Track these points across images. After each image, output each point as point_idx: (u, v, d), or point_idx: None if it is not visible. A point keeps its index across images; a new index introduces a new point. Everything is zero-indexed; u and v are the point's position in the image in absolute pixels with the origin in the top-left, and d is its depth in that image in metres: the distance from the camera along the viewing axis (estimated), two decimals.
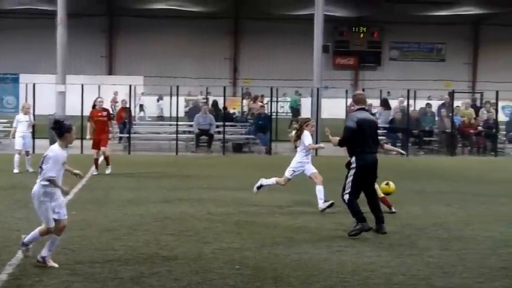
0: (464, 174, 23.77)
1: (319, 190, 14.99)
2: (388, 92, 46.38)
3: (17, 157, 21.91)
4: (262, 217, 14.30)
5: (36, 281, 9.17)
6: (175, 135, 30.84)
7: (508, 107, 45.94)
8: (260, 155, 30.83)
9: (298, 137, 15.54)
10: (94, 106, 22.26)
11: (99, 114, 21.96)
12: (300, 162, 15.45)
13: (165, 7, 60.30)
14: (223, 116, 32.47)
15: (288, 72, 61.32)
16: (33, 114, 26.13)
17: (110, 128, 22.68)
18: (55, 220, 9.87)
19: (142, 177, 21.44)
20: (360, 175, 12.43)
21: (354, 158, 12.50)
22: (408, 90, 32.23)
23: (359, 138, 12.48)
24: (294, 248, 11.37)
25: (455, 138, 32.07)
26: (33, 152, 23.90)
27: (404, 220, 14.04)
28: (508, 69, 63.79)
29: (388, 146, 16.55)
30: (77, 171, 10.64)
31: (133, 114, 38.68)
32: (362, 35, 68.45)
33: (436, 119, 33.51)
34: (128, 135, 30.86)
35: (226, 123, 31.89)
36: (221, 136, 31.16)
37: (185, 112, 41.23)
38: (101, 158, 22.22)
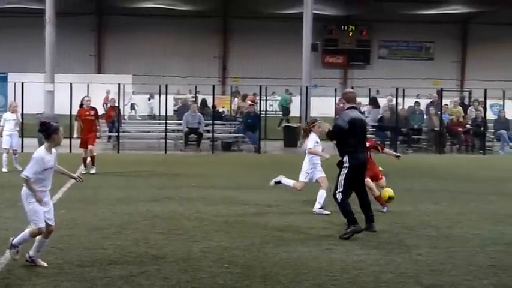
0: (453, 172, 23.84)
1: (321, 195, 14.73)
2: (377, 91, 46.50)
3: (4, 156, 21.88)
4: (251, 216, 14.30)
5: (24, 280, 9.15)
6: (164, 133, 30.84)
7: (496, 105, 45.96)
8: (249, 153, 30.82)
9: (305, 137, 15.26)
10: (81, 105, 22.17)
11: (87, 113, 21.88)
12: (312, 164, 15.12)
13: (153, 6, 60.23)
14: (212, 114, 32.46)
15: (276, 71, 61.37)
16: (22, 113, 26.07)
17: (98, 127, 22.60)
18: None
19: (131, 176, 21.41)
20: (353, 174, 12.40)
21: (346, 158, 12.40)
22: (397, 89, 32.29)
23: (351, 137, 12.42)
24: (283, 247, 11.38)
25: (443, 136, 32.15)
26: (22, 151, 23.86)
27: (393, 218, 14.07)
28: (496, 68, 64.03)
29: (387, 150, 16.54)
30: (75, 176, 10.67)
31: (123, 113, 38.63)
32: (351, 33, 68.53)
33: (425, 117, 33.60)
34: (117, 134, 30.78)
35: (216, 122, 31.89)
36: (210, 135, 31.14)
37: (174, 111, 41.20)
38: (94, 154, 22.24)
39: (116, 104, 33.11)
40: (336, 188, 12.50)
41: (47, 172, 9.82)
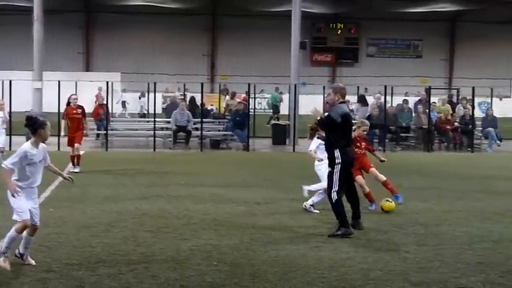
0: (441, 170, 23.90)
1: (320, 193, 14.62)
2: (366, 89, 46.57)
3: None
4: (240, 214, 14.30)
5: (12, 279, 9.11)
6: (152, 131, 30.81)
7: (484, 103, 46.13)
8: (238, 151, 30.84)
9: (311, 136, 14.99)
10: (68, 103, 22.06)
11: (74, 111, 21.78)
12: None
13: (142, 3, 60.18)
14: (200, 112, 32.43)
15: (265, 69, 61.43)
16: (10, 111, 26.00)
17: (85, 125, 22.47)
18: None
19: (119, 174, 21.37)
20: (345, 170, 12.26)
21: (337, 153, 12.19)
22: (385, 87, 32.39)
23: (342, 131, 12.30)
24: (271, 245, 11.38)
25: (432, 134, 32.25)
26: (10, 149, 23.78)
27: (381, 216, 14.09)
28: (484, 66, 64.32)
29: (376, 152, 16.51)
30: (67, 176, 10.54)
31: (112, 111, 38.58)
32: (339, 31, 68.64)
33: (413, 115, 33.69)
34: (105, 132, 30.73)
35: (204, 120, 31.87)
36: (199, 133, 31.13)
37: (163, 109, 41.16)
38: (81, 153, 22.17)
39: (105, 102, 33.04)
40: (330, 188, 12.28)
41: (32, 168, 9.62)
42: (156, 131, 30.90)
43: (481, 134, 33.17)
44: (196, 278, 9.31)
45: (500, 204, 16.09)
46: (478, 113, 37.09)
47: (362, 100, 36.22)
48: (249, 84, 32.89)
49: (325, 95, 12.94)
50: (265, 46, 63.96)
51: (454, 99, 38.39)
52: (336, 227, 12.25)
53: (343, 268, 9.92)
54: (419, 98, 36.20)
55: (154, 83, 31.89)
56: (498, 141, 32.36)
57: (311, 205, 14.56)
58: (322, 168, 14.23)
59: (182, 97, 39.79)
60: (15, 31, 56.64)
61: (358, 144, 15.11)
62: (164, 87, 50.49)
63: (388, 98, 33.14)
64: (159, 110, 36.48)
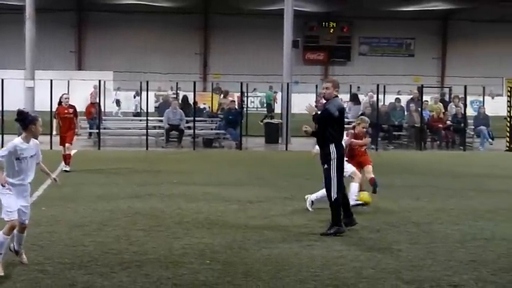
0: (433, 168, 23.93)
1: (321, 195, 14.41)
2: (358, 87, 46.70)
3: None
4: (232, 212, 14.30)
5: (4, 278, 9.09)
6: (145, 130, 30.78)
7: (476, 101, 46.28)
8: (230, 150, 30.84)
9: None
10: (60, 103, 21.97)
11: (66, 111, 21.65)
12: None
13: (134, 2, 60.16)
14: (193, 111, 32.42)
15: (257, 68, 61.49)
16: (2, 110, 25.96)
17: (77, 125, 22.36)
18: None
19: (112, 172, 21.34)
20: (340, 165, 12.18)
21: (333, 148, 12.06)
22: (378, 85, 32.41)
23: (338, 126, 12.26)
24: (264, 243, 11.39)
25: (424, 132, 32.28)
26: (2, 146, 23.70)
27: (373, 214, 14.11)
28: (476, 64, 64.50)
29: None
30: (54, 176, 10.41)
31: (105, 110, 38.48)
32: (332, 30, 68.75)
33: (405, 113, 33.70)
34: (97, 130, 30.66)
35: (197, 119, 31.85)
36: (191, 131, 31.09)
37: (155, 107, 41.12)
38: (73, 152, 22.14)
39: (97, 101, 32.95)
40: (329, 185, 12.13)
41: (23, 163, 9.43)
42: (148, 130, 30.85)
43: (473, 133, 33.19)
44: (189, 277, 9.31)
45: (492, 202, 16.13)
46: (470, 112, 37.18)
47: (354, 99, 36.27)
48: (241, 83, 32.88)
49: (322, 88, 12.65)
50: (258, 45, 64.00)
51: (446, 98, 38.45)
52: (327, 225, 12.26)
53: (335, 266, 9.93)
54: (411, 96, 36.23)
55: (147, 82, 31.86)
56: (490, 140, 32.40)
57: (312, 201, 14.39)
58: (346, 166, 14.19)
59: (175, 96, 39.72)
60: (7, 30, 56.58)
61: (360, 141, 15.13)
62: (157, 86, 50.48)
63: (381, 96, 33.16)
64: (151, 109, 36.45)
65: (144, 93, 33.81)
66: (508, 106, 32.38)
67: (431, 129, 32.78)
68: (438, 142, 33.01)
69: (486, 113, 33.66)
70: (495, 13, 62.56)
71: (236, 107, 33.13)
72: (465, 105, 33.58)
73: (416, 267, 9.99)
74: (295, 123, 29.55)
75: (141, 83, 33.65)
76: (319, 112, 12.44)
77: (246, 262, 10.12)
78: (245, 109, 35.73)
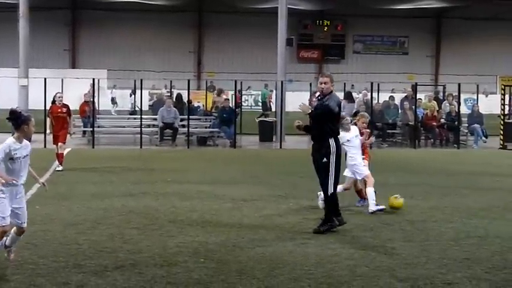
0: (427, 166, 23.97)
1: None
2: (352, 85, 46.67)
3: None
4: (226, 211, 14.30)
5: None
6: (139, 128, 30.75)
7: (470, 99, 46.34)
8: (225, 148, 30.84)
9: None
10: (54, 101, 21.91)
11: (59, 110, 21.56)
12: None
13: (128, 0, 59.97)
14: (187, 109, 32.40)
15: (252, 66, 61.42)
16: None
17: (71, 123, 22.30)
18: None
19: (106, 171, 21.30)
20: (338, 160, 12.12)
21: (332, 142, 12.00)
22: (372, 83, 32.44)
23: (336, 121, 12.27)
24: (258, 241, 11.39)
25: (418, 130, 32.33)
26: None
27: (367, 212, 14.11)
28: (470, 62, 64.55)
29: None
30: (43, 181, 10.17)
31: (101, 108, 38.48)
32: (326, 28, 68.66)
33: (400, 111, 33.75)
34: (91, 129, 30.62)
35: (191, 117, 31.83)
36: (185, 129, 31.08)
37: (149, 106, 41.10)
38: (66, 151, 22.10)
39: (91, 99, 32.93)
40: (326, 179, 12.09)
41: (16, 164, 9.29)
42: (142, 128, 30.83)
43: (467, 131, 33.25)
44: (183, 275, 9.30)
45: (486, 200, 16.17)
46: (464, 110, 37.21)
47: (349, 97, 36.28)
48: (235, 81, 32.89)
49: (320, 83, 12.57)
50: (252, 43, 63.94)
51: (440, 96, 38.50)
52: (319, 222, 12.26)
53: (329, 264, 9.94)
54: (405, 94, 36.29)
55: (141, 80, 31.83)
56: (484, 138, 32.46)
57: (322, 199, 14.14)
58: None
59: (169, 94, 39.71)
60: (1, 28, 56.34)
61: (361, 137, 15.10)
62: (151, 84, 50.43)
63: (375, 94, 33.20)
64: (145, 107, 36.42)
65: (135, 91, 33.76)
66: (501, 104, 32.47)
67: (425, 127, 32.83)
68: (432, 140, 33.07)
69: (480, 111, 33.75)
70: (489, 11, 62.56)
71: (233, 105, 33.13)
72: (459, 103, 33.62)
73: (411, 265, 10.00)
74: (289, 121, 29.51)
75: (135, 81, 33.60)
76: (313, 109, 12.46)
77: (240, 260, 10.12)
78: (239, 107, 35.67)
